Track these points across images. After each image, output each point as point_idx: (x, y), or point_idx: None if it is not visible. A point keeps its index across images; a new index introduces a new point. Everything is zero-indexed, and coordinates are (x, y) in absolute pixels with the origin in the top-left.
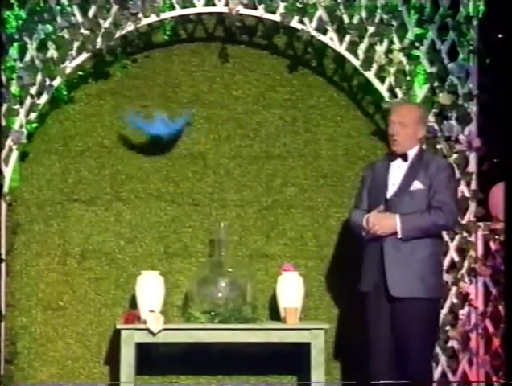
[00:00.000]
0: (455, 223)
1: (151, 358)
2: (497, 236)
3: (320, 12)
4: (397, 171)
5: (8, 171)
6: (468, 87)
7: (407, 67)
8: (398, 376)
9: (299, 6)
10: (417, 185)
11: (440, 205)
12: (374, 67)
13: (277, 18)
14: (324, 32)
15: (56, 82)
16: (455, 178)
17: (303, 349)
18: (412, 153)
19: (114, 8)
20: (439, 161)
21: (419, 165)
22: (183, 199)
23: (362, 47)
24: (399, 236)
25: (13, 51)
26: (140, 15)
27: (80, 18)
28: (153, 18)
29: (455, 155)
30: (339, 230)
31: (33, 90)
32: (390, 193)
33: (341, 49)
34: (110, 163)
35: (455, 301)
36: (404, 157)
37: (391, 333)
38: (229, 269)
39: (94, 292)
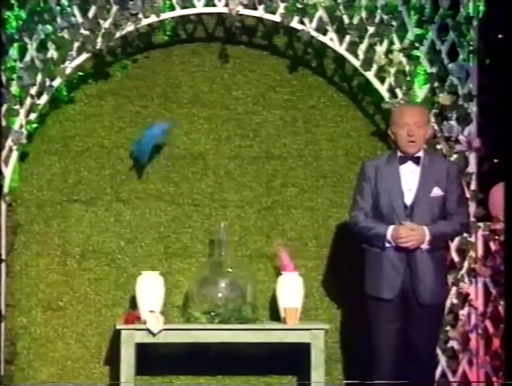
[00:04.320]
0: (468, 226)
1: (151, 358)
2: (497, 237)
3: (320, 12)
4: (410, 176)
5: (8, 171)
6: (468, 87)
7: (407, 68)
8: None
9: (299, 6)
10: (437, 191)
11: (457, 212)
12: (374, 67)
13: (277, 18)
14: (324, 32)
15: (56, 82)
16: (461, 180)
17: (303, 349)
18: (422, 155)
19: (114, 8)
20: (448, 164)
21: (432, 168)
22: (183, 199)
23: (362, 47)
24: (429, 247)
25: (13, 52)
26: (140, 15)
27: (80, 19)
28: (153, 19)
29: (455, 155)
30: (339, 230)
31: (33, 90)
32: (408, 200)
33: (341, 49)
34: (110, 163)
35: (455, 301)
36: (416, 160)
37: (405, 338)
38: (229, 270)
39: (94, 292)
